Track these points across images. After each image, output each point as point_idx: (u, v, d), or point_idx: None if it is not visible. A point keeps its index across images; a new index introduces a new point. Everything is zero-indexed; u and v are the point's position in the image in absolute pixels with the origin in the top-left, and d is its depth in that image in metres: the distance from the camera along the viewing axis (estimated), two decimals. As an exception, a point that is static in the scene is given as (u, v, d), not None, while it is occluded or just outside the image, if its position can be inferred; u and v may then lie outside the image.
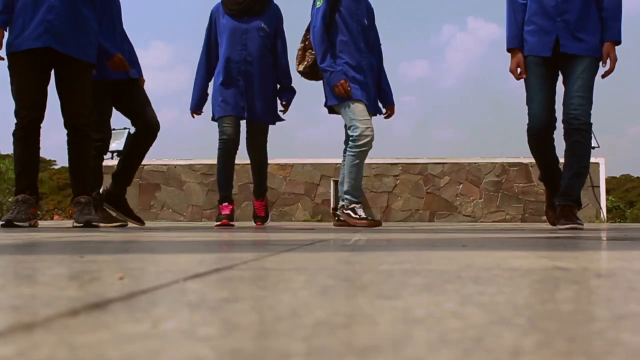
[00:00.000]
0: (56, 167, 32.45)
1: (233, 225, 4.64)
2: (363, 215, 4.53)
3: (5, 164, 21.16)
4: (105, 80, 4.18)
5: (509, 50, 4.06)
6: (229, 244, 1.95)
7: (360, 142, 4.46)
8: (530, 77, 3.97)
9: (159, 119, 4.39)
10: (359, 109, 4.49)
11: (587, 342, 0.43)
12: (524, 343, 0.42)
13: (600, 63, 3.90)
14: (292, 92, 4.95)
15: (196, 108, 4.86)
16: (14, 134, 3.84)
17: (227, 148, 4.73)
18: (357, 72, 4.54)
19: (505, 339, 0.44)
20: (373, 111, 4.65)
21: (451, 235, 2.63)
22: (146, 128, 4.32)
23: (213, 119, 4.82)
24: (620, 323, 0.51)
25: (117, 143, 11.70)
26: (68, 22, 3.80)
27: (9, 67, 3.83)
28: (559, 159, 4.10)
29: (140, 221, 4.46)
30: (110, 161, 11.49)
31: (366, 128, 4.49)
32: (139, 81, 4.39)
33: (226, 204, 4.74)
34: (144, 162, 11.49)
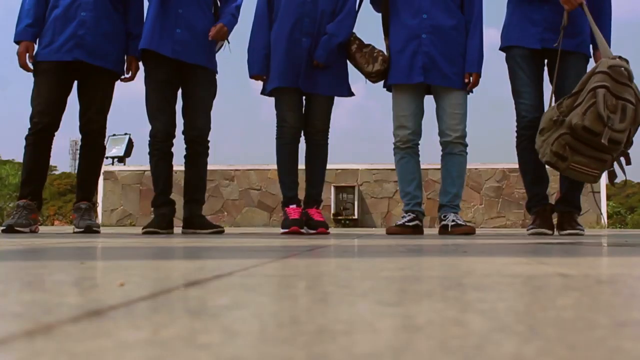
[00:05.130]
0: (56, 172, 32.50)
1: (304, 233, 3.80)
2: (400, 222, 4.07)
3: (6, 169, 21.17)
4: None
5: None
6: (229, 250, 1.95)
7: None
8: (517, 70, 3.74)
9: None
10: (395, 99, 3.94)
11: (589, 350, 0.43)
12: (525, 350, 0.42)
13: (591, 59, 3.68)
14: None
15: (262, 71, 3.89)
16: (26, 139, 3.85)
17: (289, 138, 3.94)
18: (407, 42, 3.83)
19: (506, 346, 0.44)
20: (414, 81, 3.81)
21: (452, 241, 2.62)
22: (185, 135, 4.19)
23: (264, 92, 3.98)
24: (622, 330, 0.51)
25: (117, 149, 11.69)
26: (98, 36, 3.84)
27: (34, 74, 3.87)
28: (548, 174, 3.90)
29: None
30: (110, 167, 11.50)
31: (396, 126, 3.92)
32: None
33: (294, 206, 3.96)
34: (144, 168, 11.42)
